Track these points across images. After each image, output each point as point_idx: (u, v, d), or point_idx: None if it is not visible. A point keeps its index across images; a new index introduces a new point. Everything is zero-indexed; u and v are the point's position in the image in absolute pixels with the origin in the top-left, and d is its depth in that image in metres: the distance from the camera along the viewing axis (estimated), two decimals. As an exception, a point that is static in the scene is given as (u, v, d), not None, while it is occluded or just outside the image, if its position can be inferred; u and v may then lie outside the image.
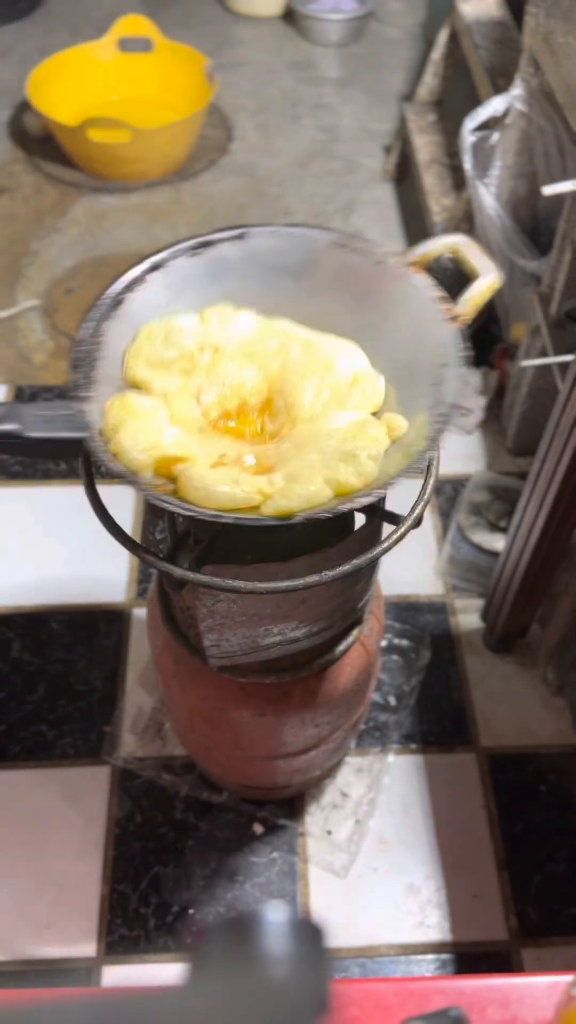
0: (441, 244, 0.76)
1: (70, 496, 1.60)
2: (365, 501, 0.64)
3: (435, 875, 1.20)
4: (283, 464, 0.71)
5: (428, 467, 0.70)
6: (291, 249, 0.79)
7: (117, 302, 0.74)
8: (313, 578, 0.69)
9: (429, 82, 2.12)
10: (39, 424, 0.63)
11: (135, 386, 0.76)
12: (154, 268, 0.76)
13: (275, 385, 0.76)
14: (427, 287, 0.74)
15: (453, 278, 0.79)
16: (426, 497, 0.74)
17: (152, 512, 1.56)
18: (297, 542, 0.77)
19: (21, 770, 1.28)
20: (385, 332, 0.77)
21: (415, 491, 0.75)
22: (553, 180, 1.46)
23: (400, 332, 0.76)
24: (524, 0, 1.43)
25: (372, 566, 0.89)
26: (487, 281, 0.73)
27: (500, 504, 1.50)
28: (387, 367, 0.77)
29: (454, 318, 0.72)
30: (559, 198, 1.40)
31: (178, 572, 0.69)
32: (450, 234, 0.77)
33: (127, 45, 2.42)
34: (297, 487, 0.67)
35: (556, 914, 1.18)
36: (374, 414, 0.75)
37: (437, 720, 1.34)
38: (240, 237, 0.79)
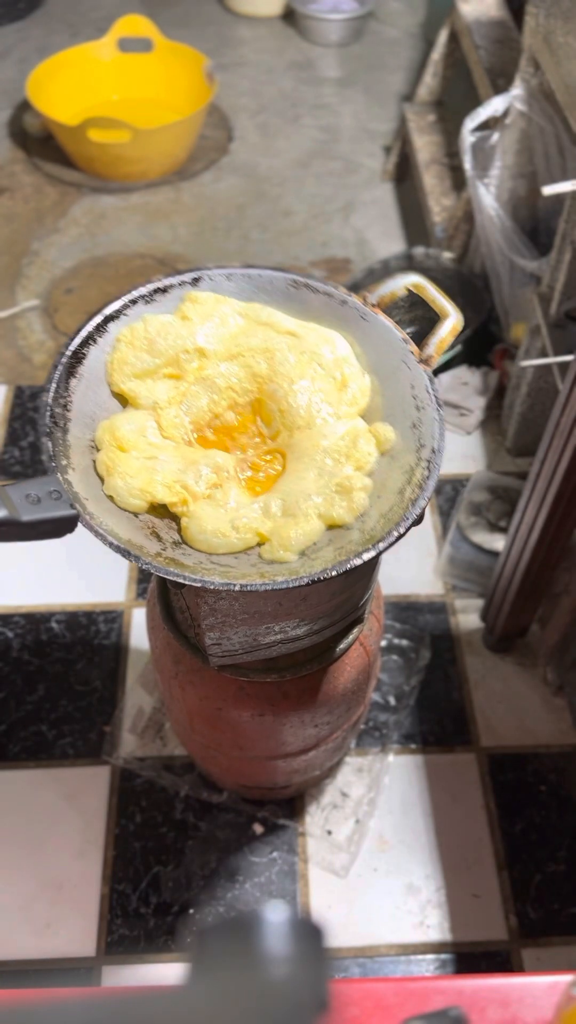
0: (402, 284, 0.79)
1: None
2: (367, 556, 0.66)
3: (435, 875, 1.20)
4: (280, 480, 0.73)
5: (430, 464, 0.71)
6: (251, 290, 0.80)
7: (78, 358, 0.74)
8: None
9: (429, 82, 2.12)
10: (29, 506, 0.63)
11: (121, 397, 0.76)
12: (109, 319, 0.76)
13: (265, 387, 0.77)
14: (393, 328, 0.77)
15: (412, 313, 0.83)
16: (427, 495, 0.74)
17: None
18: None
19: (21, 770, 1.28)
20: (363, 343, 0.79)
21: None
22: (553, 180, 1.46)
23: (376, 351, 0.78)
24: (524, 0, 1.43)
25: (373, 563, 0.89)
26: (451, 324, 0.76)
27: (500, 504, 1.50)
28: (368, 364, 0.79)
29: (424, 360, 0.75)
30: (559, 198, 1.40)
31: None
32: (406, 274, 0.80)
33: (127, 45, 2.43)
34: (293, 531, 0.69)
35: (556, 914, 1.18)
36: (363, 416, 0.77)
37: (437, 720, 1.34)
38: (195, 282, 0.79)
